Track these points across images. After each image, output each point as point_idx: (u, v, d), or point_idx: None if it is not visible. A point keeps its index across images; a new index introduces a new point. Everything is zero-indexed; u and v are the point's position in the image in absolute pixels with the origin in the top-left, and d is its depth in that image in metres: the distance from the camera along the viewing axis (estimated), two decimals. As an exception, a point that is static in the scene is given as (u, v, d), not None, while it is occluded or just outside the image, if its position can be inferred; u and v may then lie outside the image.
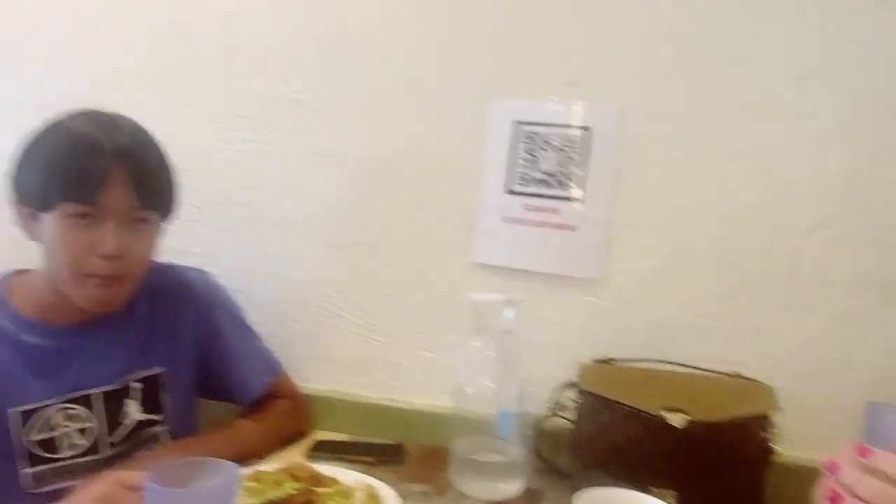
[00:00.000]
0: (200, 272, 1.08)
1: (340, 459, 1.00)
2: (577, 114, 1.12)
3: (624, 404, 0.89)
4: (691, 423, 0.87)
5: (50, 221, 0.83)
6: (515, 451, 0.94)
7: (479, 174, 1.18)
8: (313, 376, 1.24)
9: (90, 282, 0.84)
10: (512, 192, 1.16)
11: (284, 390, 1.14)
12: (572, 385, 1.01)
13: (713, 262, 1.07)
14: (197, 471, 0.63)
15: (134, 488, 0.64)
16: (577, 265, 1.13)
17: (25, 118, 0.87)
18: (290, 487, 0.80)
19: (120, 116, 0.89)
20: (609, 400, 0.91)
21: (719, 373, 0.97)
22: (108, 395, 0.92)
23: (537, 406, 1.04)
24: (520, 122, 1.16)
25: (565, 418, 1.02)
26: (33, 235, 0.87)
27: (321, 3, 1.22)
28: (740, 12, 1.03)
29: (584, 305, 1.13)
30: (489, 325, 0.95)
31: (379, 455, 1.06)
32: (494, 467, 0.93)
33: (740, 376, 0.97)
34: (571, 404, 1.01)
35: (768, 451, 0.89)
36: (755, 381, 0.96)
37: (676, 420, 0.87)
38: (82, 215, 0.82)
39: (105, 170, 0.82)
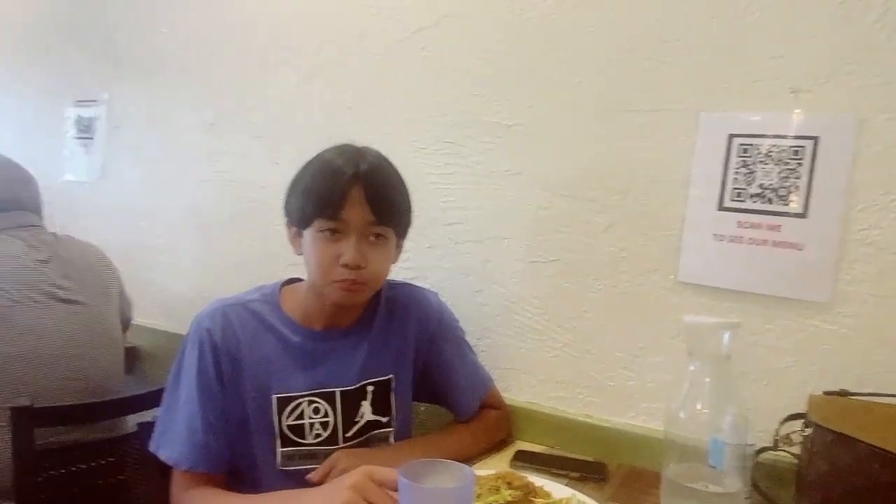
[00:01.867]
0: (431, 292, 1.19)
1: (543, 471, 1.02)
2: (803, 123, 1.04)
3: (872, 445, 0.80)
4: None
5: (307, 237, 0.98)
6: (731, 482, 0.89)
7: (686, 189, 1.14)
8: (513, 387, 1.29)
9: (336, 286, 0.97)
10: (724, 209, 1.11)
11: (493, 401, 1.20)
12: (799, 417, 0.93)
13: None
14: (429, 469, 0.69)
15: (383, 483, 0.72)
16: (803, 287, 1.04)
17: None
18: (507, 494, 0.84)
19: (365, 147, 1.02)
20: (850, 438, 0.82)
21: None
22: (346, 395, 1.04)
23: (755, 437, 0.97)
24: (734, 135, 1.10)
25: (790, 453, 0.94)
26: (298, 251, 1.03)
27: (516, 29, 1.27)
28: None
29: (811, 331, 1.04)
30: (704, 348, 0.92)
31: (582, 471, 1.06)
32: (710, 497, 0.89)
33: None
34: (798, 438, 0.93)
35: None
36: None
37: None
38: (329, 230, 0.96)
39: (346, 190, 0.94)
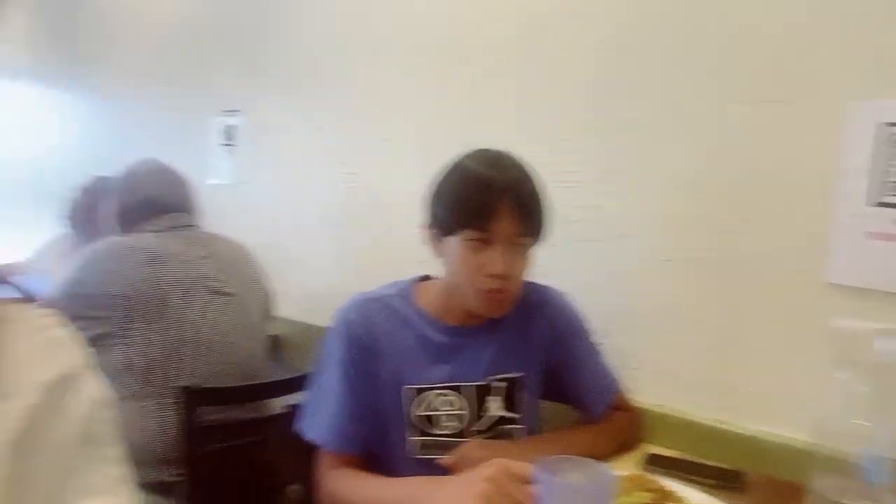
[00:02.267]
0: (560, 292, 1.20)
1: (676, 476, 1.00)
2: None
3: None
4: None
5: (452, 244, 1.03)
6: (891, 501, 0.83)
7: (832, 184, 1.06)
8: (640, 389, 1.26)
9: (482, 295, 1.02)
10: (879, 204, 1.02)
11: (621, 403, 1.20)
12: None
13: None
14: (564, 466, 0.70)
15: (518, 476, 0.74)
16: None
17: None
18: (640, 497, 0.84)
19: (504, 153, 1.05)
20: None
21: None
22: (475, 389, 1.07)
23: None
24: (890, 124, 1.01)
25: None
26: (438, 252, 1.08)
27: (638, 22, 1.25)
28: None
29: None
30: (858, 355, 0.86)
31: (718, 478, 1.03)
32: (865, 515, 0.83)
33: None
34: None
35: None
36: None
37: None
38: (477, 240, 1.00)
39: (496, 203, 0.98)
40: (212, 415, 1.35)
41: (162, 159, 1.69)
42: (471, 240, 1.00)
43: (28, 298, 1.76)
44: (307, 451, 1.12)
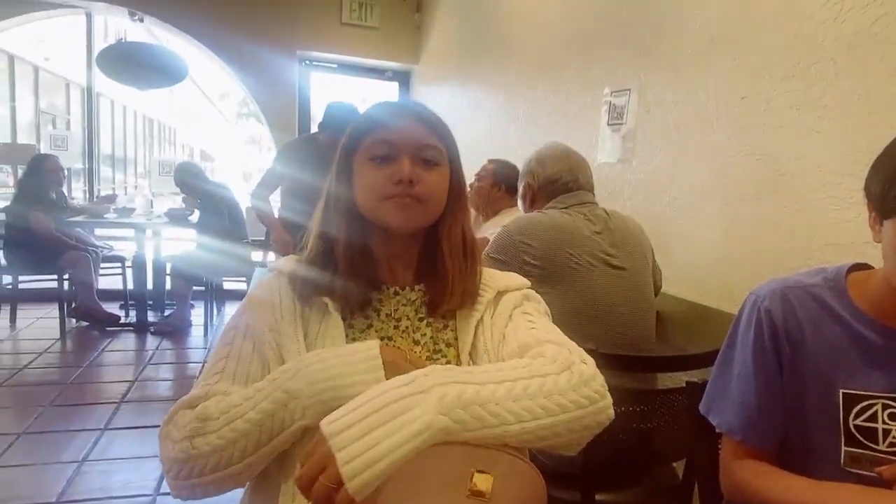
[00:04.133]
0: None
1: None
2: None
3: None
4: None
5: (890, 228, 0.87)
6: None
7: None
8: None
9: None
10: None
11: None
12: None
13: None
14: None
15: None
16: None
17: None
18: None
19: None
20: None
21: None
22: None
23: None
24: None
25: None
26: (877, 238, 0.92)
27: None
28: None
29: None
30: None
31: None
32: None
33: None
34: None
35: None
36: None
37: None
38: None
39: None
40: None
41: (562, 142, 1.86)
42: None
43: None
44: (694, 430, 1.11)
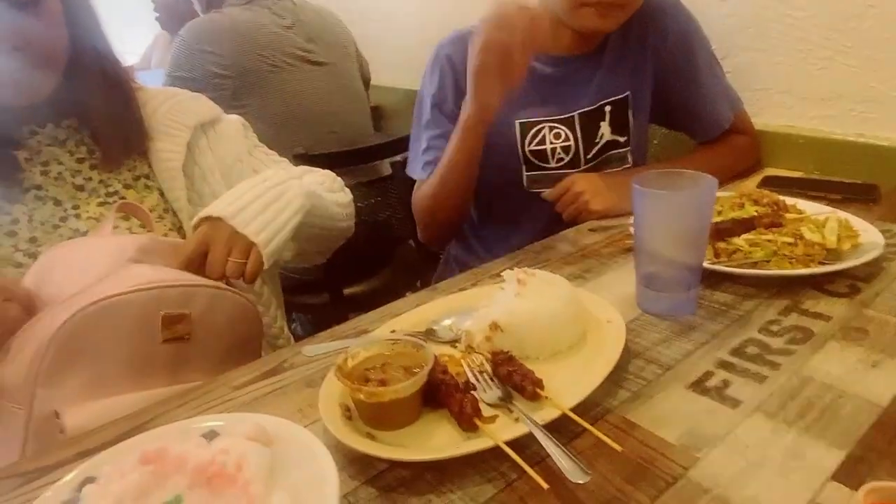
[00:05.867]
0: (675, 1, 1.05)
1: (796, 195, 0.93)
2: None
3: None
4: None
5: None
6: None
7: None
8: (765, 111, 1.14)
9: (586, 11, 0.92)
10: None
11: (741, 125, 1.09)
12: None
13: None
14: (666, 180, 0.66)
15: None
16: None
17: None
18: (752, 210, 0.79)
19: None
20: None
21: None
22: (585, 116, 1.02)
23: None
24: None
25: None
26: None
27: None
28: None
29: None
30: None
31: (845, 192, 0.95)
32: None
33: None
34: None
35: None
36: None
37: None
38: None
39: None
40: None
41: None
42: None
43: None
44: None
